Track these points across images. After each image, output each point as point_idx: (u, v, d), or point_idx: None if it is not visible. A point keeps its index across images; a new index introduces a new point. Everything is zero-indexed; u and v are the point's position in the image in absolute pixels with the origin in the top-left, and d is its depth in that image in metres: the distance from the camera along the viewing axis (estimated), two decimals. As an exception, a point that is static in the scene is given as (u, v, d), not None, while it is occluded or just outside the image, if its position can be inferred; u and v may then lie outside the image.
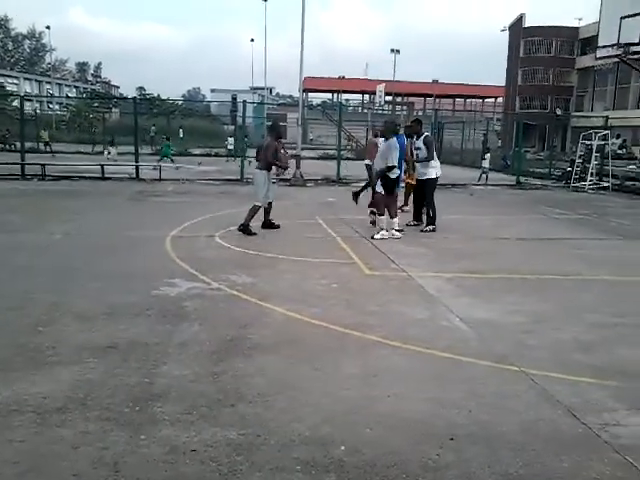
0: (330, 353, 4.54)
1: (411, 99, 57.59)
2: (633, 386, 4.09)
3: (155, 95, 57.67)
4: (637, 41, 9.88)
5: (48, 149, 29.16)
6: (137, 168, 18.68)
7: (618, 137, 37.64)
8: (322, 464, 3.01)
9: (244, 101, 21.53)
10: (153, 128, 34.60)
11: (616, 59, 11.52)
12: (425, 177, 10.42)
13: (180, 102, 58.70)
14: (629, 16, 9.97)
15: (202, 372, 4.07)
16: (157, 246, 8.02)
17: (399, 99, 59.44)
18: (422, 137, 10.37)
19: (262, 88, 55.07)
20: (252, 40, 68.21)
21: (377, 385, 3.98)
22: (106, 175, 18.22)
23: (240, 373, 4.07)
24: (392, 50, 65.80)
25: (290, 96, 68.94)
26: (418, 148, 10.37)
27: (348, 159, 28.55)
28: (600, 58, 11.78)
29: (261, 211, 9.38)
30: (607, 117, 24.89)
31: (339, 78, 66.77)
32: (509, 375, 4.25)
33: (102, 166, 18.47)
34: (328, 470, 2.97)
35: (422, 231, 10.07)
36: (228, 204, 12.58)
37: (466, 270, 7.34)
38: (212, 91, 76.28)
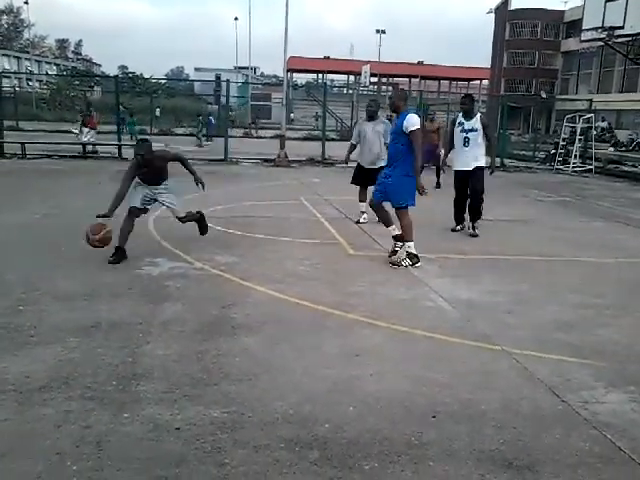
0: (313, 333, 4.55)
1: (396, 80, 57.43)
2: (611, 365, 4.15)
3: (138, 74, 57.00)
4: (621, 25, 9.84)
5: None
6: (119, 147, 18.47)
7: (603, 120, 37.91)
8: (305, 441, 3.03)
9: (227, 80, 21.34)
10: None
11: (600, 43, 11.49)
12: (476, 165, 8.43)
13: (163, 81, 57.97)
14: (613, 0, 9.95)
15: (185, 351, 4.07)
16: (140, 226, 7.89)
17: (384, 80, 59.18)
18: (477, 117, 8.43)
19: (246, 68, 54.60)
20: (236, 19, 68.25)
21: (360, 364, 4.01)
22: (87, 154, 18.00)
23: (223, 352, 4.08)
24: (377, 31, 65.59)
25: (275, 76, 68.42)
26: (471, 130, 8.33)
27: (333, 140, 28.50)
28: (585, 41, 11.81)
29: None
30: (591, 100, 25.00)
31: (324, 58, 66.36)
32: (491, 354, 4.29)
33: (84, 145, 18.24)
34: (311, 447, 2.99)
35: (473, 236, 8.49)
36: (212, 184, 12.45)
37: (449, 251, 7.37)
38: (196, 70, 75.43)
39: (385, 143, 8.47)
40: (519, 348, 4.37)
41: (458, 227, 8.80)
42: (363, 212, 9.00)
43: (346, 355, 4.14)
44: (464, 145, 8.35)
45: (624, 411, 3.53)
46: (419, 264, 6.61)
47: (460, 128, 8.39)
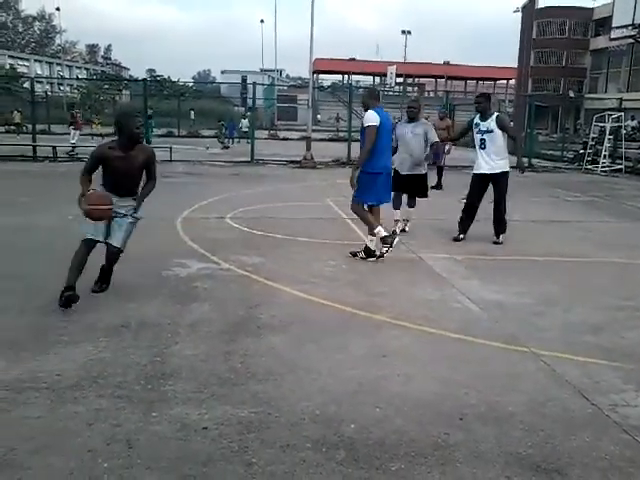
0: (339, 333, 4.56)
1: (422, 80, 57.13)
2: (641, 367, 4.09)
3: (165, 77, 57.56)
4: (652, 21, 9.67)
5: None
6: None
7: (633, 119, 37.25)
8: (332, 442, 3.04)
9: (254, 83, 21.46)
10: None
11: (631, 40, 11.29)
12: (498, 170, 7.84)
13: (190, 84, 58.50)
14: (645, -5, 9.78)
15: (213, 351, 4.11)
16: (168, 227, 8.06)
17: (410, 80, 59.00)
18: (493, 117, 7.82)
19: (272, 70, 54.83)
20: (262, 21, 68.23)
21: (386, 365, 4.00)
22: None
23: (250, 352, 4.10)
24: (403, 31, 65.44)
25: (300, 78, 68.65)
26: (487, 131, 7.83)
27: (358, 141, 28.45)
28: (614, 39, 11.64)
29: None
30: (621, 99, 24.65)
31: (349, 59, 66.30)
32: (519, 356, 4.25)
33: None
34: (338, 448, 3.00)
35: (496, 243, 8.00)
36: (238, 186, 12.59)
37: (476, 252, 7.32)
38: (222, 72, 75.97)
39: (431, 145, 8.28)
40: (547, 350, 4.33)
41: (461, 236, 8.05)
42: (397, 220, 8.34)
43: (373, 356, 4.14)
44: (481, 147, 7.90)
45: (656, 415, 3.47)
46: (372, 259, 6.80)
47: (477, 129, 7.95)
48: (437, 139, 8.46)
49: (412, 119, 8.38)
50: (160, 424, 3.15)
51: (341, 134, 31.31)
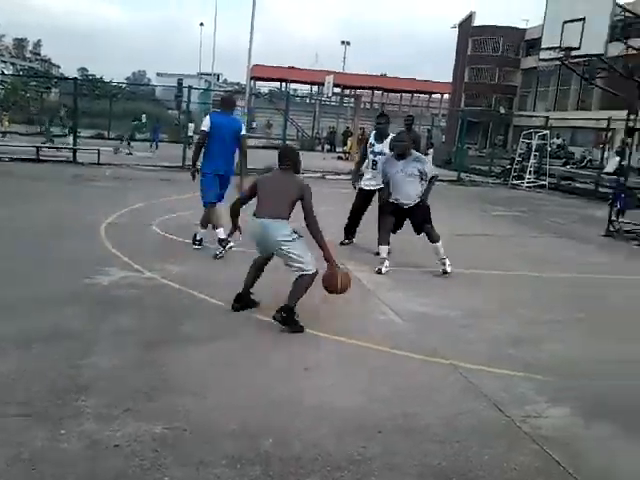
0: (263, 345, 4.53)
1: (359, 92, 57.76)
2: (555, 379, 4.23)
3: (98, 77, 56.00)
4: (577, 46, 10.11)
5: None
6: (74, 151, 18.09)
7: (558, 137, 38.91)
8: (248, 458, 3.00)
9: (189, 86, 21.19)
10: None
11: (557, 62, 11.76)
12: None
13: (124, 85, 57.12)
14: (571, 21, 10.22)
15: (130, 364, 3.99)
16: (91, 233, 7.79)
17: (347, 91, 59.55)
18: (388, 141, 7.73)
19: (209, 74, 54.25)
20: (201, 24, 67.02)
21: (308, 378, 3.99)
22: (41, 158, 17.56)
23: (169, 365, 4.01)
24: (342, 42, 66.12)
25: (238, 83, 68.16)
26: (382, 153, 7.80)
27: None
28: (543, 60, 12.04)
29: None
30: (547, 117, 25.68)
31: (288, 67, 66.41)
32: (440, 368, 4.33)
33: (37, 148, 17.80)
34: (254, 463, 2.95)
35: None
36: (168, 191, 12.35)
37: (403, 264, 7.41)
38: (158, 75, 74.60)
39: (430, 180, 7.19)
40: (468, 362, 4.42)
41: (346, 241, 8.33)
42: (383, 259, 7.14)
43: (294, 369, 4.12)
44: (372, 167, 8.00)
45: (565, 425, 3.60)
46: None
47: (370, 150, 8.01)
48: (434, 172, 7.41)
49: (401, 156, 7.08)
50: (68, 442, 3.01)
51: (275, 141, 31.23)
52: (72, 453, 2.93)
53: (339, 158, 28.52)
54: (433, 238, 7.13)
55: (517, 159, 22.04)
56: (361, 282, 6.46)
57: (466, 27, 54.32)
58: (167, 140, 30.39)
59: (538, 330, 5.37)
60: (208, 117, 7.24)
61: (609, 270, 8.16)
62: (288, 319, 4.80)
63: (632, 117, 10.87)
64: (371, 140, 8.15)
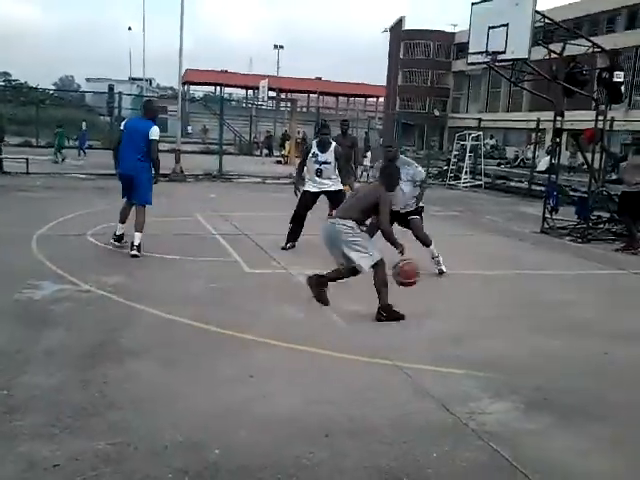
0: (206, 355, 4.45)
1: (294, 96, 57.93)
2: (497, 376, 4.33)
3: (22, 82, 53.96)
4: (502, 50, 10.42)
5: None
6: (0, 160, 17.35)
7: (492, 138, 40.10)
8: (195, 470, 2.94)
9: (120, 92, 20.73)
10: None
11: (485, 66, 12.09)
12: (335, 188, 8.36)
13: (51, 91, 55.28)
14: (496, 26, 10.52)
15: (68, 380, 3.85)
16: (22, 245, 7.48)
17: (283, 95, 59.67)
18: (332, 149, 8.24)
19: (141, 79, 53.20)
20: (130, 28, 66.08)
21: (253, 385, 3.95)
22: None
23: (110, 380, 3.89)
24: (275, 46, 66.07)
25: (171, 88, 67.10)
26: (327, 162, 8.21)
27: (231, 154, 28.29)
28: (471, 64, 12.33)
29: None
30: (480, 119, 26.39)
31: (222, 72, 65.95)
32: (383, 370, 4.36)
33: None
34: (201, 476, 2.90)
35: None
36: (103, 200, 11.98)
37: (345, 266, 7.44)
38: (87, 80, 72.56)
39: (421, 184, 7.36)
40: (411, 362, 4.47)
41: (288, 245, 8.31)
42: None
43: (240, 377, 4.07)
44: (316, 174, 8.26)
45: (507, 420, 3.68)
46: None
47: (314, 159, 8.20)
48: (423, 175, 7.58)
49: (391, 161, 6.88)
50: (3, 465, 2.87)
51: (212, 146, 30.87)
52: (8, 477, 2.79)
53: (278, 162, 28.45)
54: (427, 242, 7.46)
55: (453, 160, 22.55)
56: (305, 286, 6.43)
57: (397, 31, 55.35)
58: (100, 147, 29.55)
59: (478, 327, 5.49)
60: (125, 120, 8.15)
61: (544, 266, 8.43)
62: (390, 315, 5.40)
63: (559, 118, 11.29)
64: (314, 150, 8.25)
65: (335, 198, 8.11)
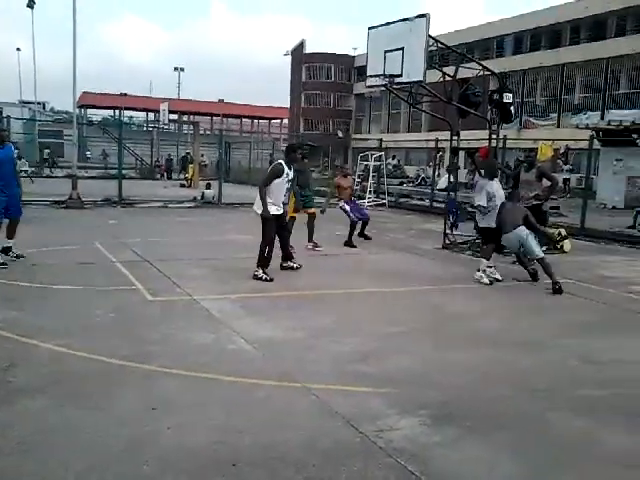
0: (105, 389, 4.22)
1: (197, 118, 57.33)
2: (403, 391, 4.38)
3: None
4: (399, 73, 10.75)
5: None
6: None
7: (394, 158, 41.28)
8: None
9: (8, 116, 19.75)
10: (47, 151, 30.41)
11: (384, 88, 12.42)
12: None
13: None
14: (392, 50, 10.84)
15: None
16: None
17: (185, 118, 58.96)
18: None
19: (32, 102, 50.90)
20: (18, 49, 63.57)
21: (157, 418, 3.77)
22: None
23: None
24: (176, 68, 65.44)
25: (67, 112, 64.52)
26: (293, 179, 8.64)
27: (132, 178, 27.54)
28: (370, 86, 12.63)
29: None
30: (381, 140, 27.12)
31: (120, 94, 64.40)
32: (292, 392, 4.30)
33: None
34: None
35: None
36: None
37: (251, 290, 7.37)
38: (-29, 103, 68.82)
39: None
40: (319, 383, 4.45)
41: (268, 276, 8.02)
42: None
43: (142, 410, 3.89)
44: (285, 194, 8.32)
45: (415, 435, 3.71)
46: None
47: (287, 179, 8.21)
48: None
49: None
50: None
51: (112, 171, 29.95)
52: None
53: (182, 186, 27.95)
54: None
55: (357, 180, 22.96)
56: (209, 312, 6.30)
57: (298, 54, 56.22)
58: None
59: (383, 344, 5.54)
60: None
61: (446, 280, 8.66)
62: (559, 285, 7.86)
63: (455, 138, 11.76)
64: (287, 171, 8.16)
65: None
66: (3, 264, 8.08)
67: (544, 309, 7.26)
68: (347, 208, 12.13)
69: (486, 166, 9.51)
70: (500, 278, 8.51)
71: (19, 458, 3.22)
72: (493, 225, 8.53)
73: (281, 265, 8.59)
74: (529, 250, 8.27)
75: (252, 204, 8.46)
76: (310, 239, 10.81)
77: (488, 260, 8.59)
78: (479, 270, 8.44)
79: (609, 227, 14.68)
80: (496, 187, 8.76)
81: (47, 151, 35.85)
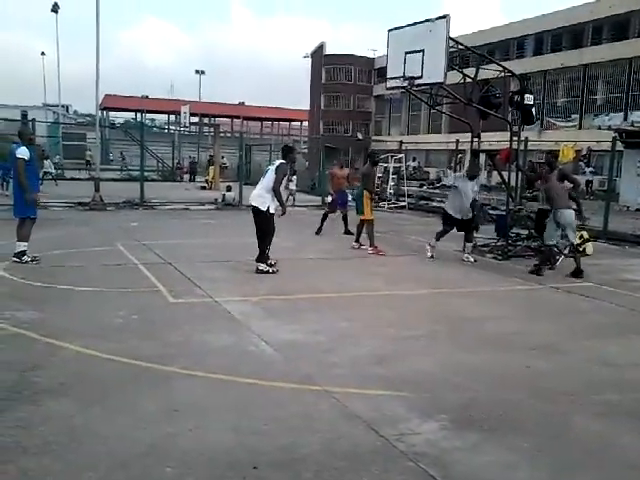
0: (128, 390, 4.28)
1: (218, 120, 57.65)
2: (424, 395, 4.37)
3: None
4: (420, 75, 10.72)
5: None
6: None
7: (414, 160, 41.18)
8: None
9: (33, 119, 20.04)
10: (89, 152, 31.11)
11: (404, 90, 12.40)
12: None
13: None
14: (412, 52, 10.82)
15: (-22, 426, 3.60)
16: None
17: (206, 120, 59.25)
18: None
19: (57, 105, 51.62)
20: (43, 54, 64.55)
21: (178, 420, 3.81)
22: None
23: (23, 423, 3.66)
24: (197, 71, 65.80)
25: (90, 115, 65.25)
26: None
27: (154, 180, 27.80)
28: (390, 88, 12.62)
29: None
30: (401, 141, 27.03)
31: (142, 97, 65.04)
32: (312, 395, 4.32)
33: None
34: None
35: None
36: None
37: (272, 292, 7.40)
38: (-2, 107, 69.92)
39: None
40: (339, 386, 4.45)
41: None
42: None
43: (164, 412, 3.93)
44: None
45: (436, 439, 3.71)
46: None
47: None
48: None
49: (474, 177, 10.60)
50: None
51: (134, 173, 30.23)
52: None
53: (202, 188, 28.14)
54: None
55: (377, 182, 22.91)
56: (230, 314, 6.34)
57: (318, 56, 56.20)
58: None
59: (401, 347, 5.54)
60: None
61: (466, 283, 8.64)
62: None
63: (476, 140, 11.70)
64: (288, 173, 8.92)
65: None
66: (35, 257, 8.53)
67: (563, 312, 7.20)
68: (330, 198, 13.85)
69: (470, 167, 11.08)
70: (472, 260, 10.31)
71: (45, 458, 3.27)
72: (450, 212, 10.51)
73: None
74: (571, 234, 9.29)
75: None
76: (371, 244, 11.08)
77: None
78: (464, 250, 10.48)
79: (632, 230, 14.50)
80: (470, 186, 10.35)
81: (89, 153, 36.32)
